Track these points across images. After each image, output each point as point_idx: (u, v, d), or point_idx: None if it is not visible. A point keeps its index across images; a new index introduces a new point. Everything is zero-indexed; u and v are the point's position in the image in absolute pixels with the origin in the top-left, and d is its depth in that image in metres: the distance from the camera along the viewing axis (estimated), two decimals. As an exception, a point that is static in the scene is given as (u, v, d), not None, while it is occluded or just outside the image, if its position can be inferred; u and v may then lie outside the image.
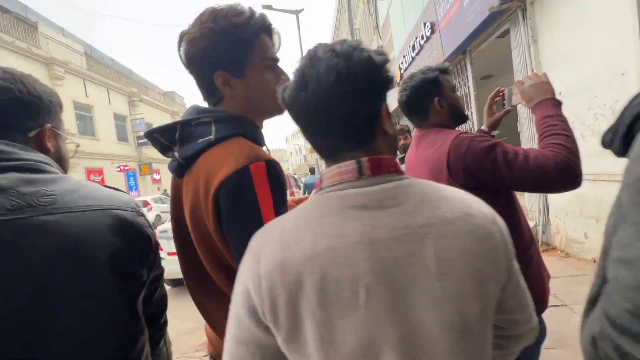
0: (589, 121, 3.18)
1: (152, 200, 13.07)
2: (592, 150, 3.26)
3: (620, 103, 2.82)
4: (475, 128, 5.57)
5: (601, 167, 3.12)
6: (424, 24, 6.23)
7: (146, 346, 0.61)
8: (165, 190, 17.93)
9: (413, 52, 7.23)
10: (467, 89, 5.60)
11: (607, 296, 0.35)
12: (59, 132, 0.67)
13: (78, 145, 0.82)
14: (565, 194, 3.72)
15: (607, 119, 2.98)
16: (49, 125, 0.64)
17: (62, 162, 0.66)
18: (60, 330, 0.50)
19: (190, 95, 47.84)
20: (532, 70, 3.84)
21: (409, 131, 3.47)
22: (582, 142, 3.72)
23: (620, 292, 0.33)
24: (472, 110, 5.50)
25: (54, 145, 0.64)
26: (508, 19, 4.17)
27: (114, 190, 0.63)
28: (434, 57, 6.10)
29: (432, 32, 5.99)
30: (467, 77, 5.53)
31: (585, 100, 3.17)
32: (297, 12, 11.85)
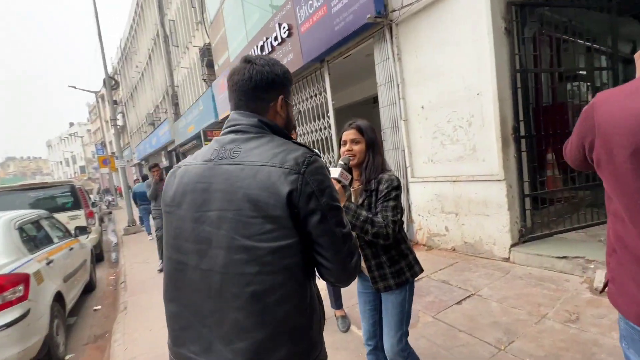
0: (448, 132, 3.79)
1: None
2: (451, 156, 3.89)
3: (476, 117, 3.44)
4: (334, 139, 5.80)
5: (459, 170, 3.76)
6: (280, 25, 5.94)
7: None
8: None
9: (261, 53, 6.78)
10: (323, 98, 5.71)
11: None
12: (288, 102, 0.94)
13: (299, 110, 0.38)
14: (427, 195, 4.36)
15: (464, 130, 3.61)
16: (282, 96, 0.91)
17: (289, 123, 0.95)
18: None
19: None
20: (398, 86, 4.27)
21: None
22: (442, 149, 4.32)
23: None
24: (330, 120, 5.64)
25: (284, 111, 0.93)
26: (372, 35, 4.51)
27: (283, 150, 0.81)
28: (291, 61, 5.89)
29: (290, 35, 5.78)
30: (324, 86, 5.64)
31: (446, 114, 3.75)
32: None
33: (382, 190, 1.41)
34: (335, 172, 1.32)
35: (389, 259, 1.45)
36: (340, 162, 1.42)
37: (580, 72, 5.34)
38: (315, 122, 6.06)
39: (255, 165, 0.79)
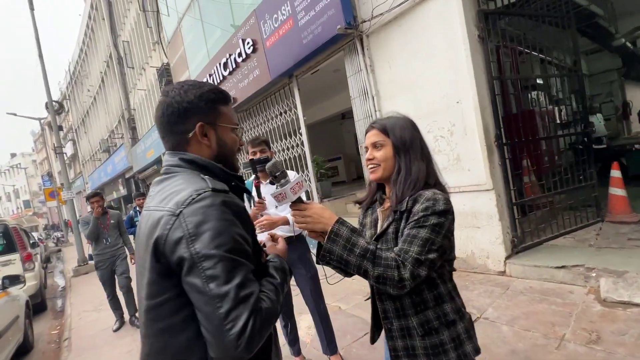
0: (429, 142, 3.62)
1: None
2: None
3: (458, 126, 3.32)
4: (308, 156, 5.51)
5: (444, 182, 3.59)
6: (243, 40, 5.66)
7: None
8: None
9: (225, 70, 6.44)
10: (293, 114, 5.44)
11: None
12: (216, 124, 0.84)
13: (242, 130, 0.75)
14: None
15: (446, 140, 3.48)
16: (200, 124, 0.81)
17: (223, 149, 0.86)
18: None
19: None
20: (373, 98, 4.11)
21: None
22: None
23: None
24: (303, 136, 5.37)
25: (213, 137, 0.84)
26: (342, 48, 4.36)
27: (177, 190, 0.73)
28: (257, 77, 5.60)
29: (255, 50, 5.51)
30: (294, 102, 5.38)
31: (426, 124, 3.61)
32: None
33: (415, 213, 0.95)
34: (271, 188, 1.00)
35: (422, 324, 0.97)
36: (273, 173, 0.96)
37: (539, 81, 5.61)
38: (287, 139, 5.75)
39: (149, 211, 0.76)
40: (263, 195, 2.06)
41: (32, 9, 8.33)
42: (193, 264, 0.64)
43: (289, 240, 2.13)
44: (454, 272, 1.11)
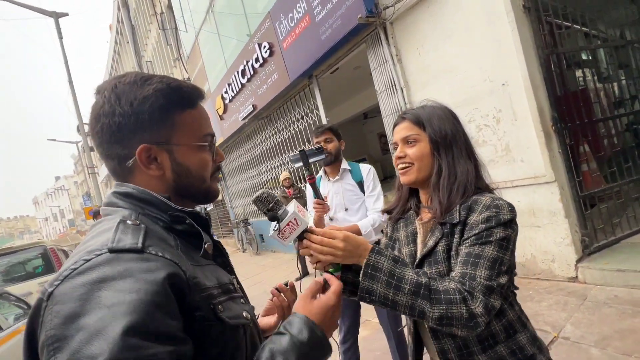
0: (472, 133, 3.22)
1: None
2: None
3: (505, 112, 2.81)
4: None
5: (492, 176, 3.16)
6: (259, 44, 5.50)
7: None
8: None
9: (243, 77, 6.33)
10: (315, 116, 5.19)
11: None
12: (172, 143, 0.57)
13: (213, 137, 0.64)
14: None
15: (491, 129, 3.06)
16: (144, 145, 0.55)
17: (184, 178, 0.59)
18: None
19: None
20: (402, 90, 3.76)
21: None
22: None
23: None
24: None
25: (163, 166, 0.58)
26: (364, 40, 4.05)
27: (76, 252, 0.49)
28: (276, 81, 5.41)
29: (272, 53, 5.33)
30: (315, 103, 5.12)
31: (466, 113, 3.20)
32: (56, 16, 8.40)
33: (474, 225, 0.76)
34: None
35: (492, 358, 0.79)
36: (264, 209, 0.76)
37: (588, 57, 5.00)
38: (308, 145, 5.49)
39: None
40: (325, 193, 1.78)
41: (60, 37, 8.73)
42: None
43: None
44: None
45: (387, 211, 1.01)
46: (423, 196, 0.91)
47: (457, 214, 0.79)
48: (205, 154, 0.61)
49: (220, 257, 0.64)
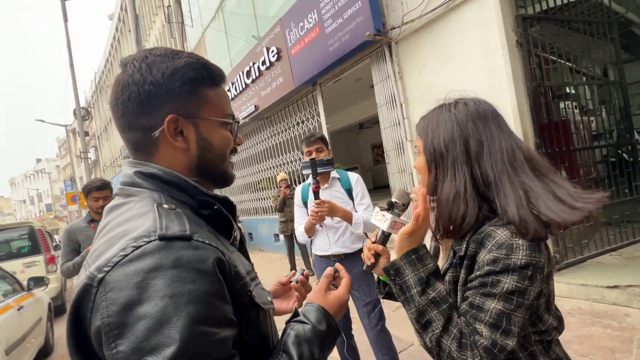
0: (462, 151, 3.50)
1: None
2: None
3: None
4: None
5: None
6: (268, 48, 5.71)
7: None
8: None
9: (248, 78, 6.50)
10: (316, 122, 5.40)
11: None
12: (199, 116, 0.57)
13: (238, 122, 0.66)
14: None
15: (480, 149, 3.33)
16: (173, 115, 0.54)
17: (205, 155, 0.58)
18: None
19: None
20: (401, 105, 4.02)
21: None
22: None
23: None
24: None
25: (193, 137, 0.57)
26: (369, 55, 4.31)
27: (113, 236, 0.47)
28: (280, 84, 5.61)
29: (279, 58, 5.53)
30: (317, 110, 5.35)
31: (458, 132, 3.48)
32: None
33: (480, 266, 0.66)
34: (384, 223, 0.78)
35: None
36: (395, 199, 0.82)
37: (570, 91, 5.40)
38: (308, 147, 5.69)
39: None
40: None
41: (65, 20, 8.71)
42: None
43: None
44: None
45: None
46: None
47: (465, 246, 0.69)
48: (227, 132, 0.62)
49: (240, 243, 0.64)
